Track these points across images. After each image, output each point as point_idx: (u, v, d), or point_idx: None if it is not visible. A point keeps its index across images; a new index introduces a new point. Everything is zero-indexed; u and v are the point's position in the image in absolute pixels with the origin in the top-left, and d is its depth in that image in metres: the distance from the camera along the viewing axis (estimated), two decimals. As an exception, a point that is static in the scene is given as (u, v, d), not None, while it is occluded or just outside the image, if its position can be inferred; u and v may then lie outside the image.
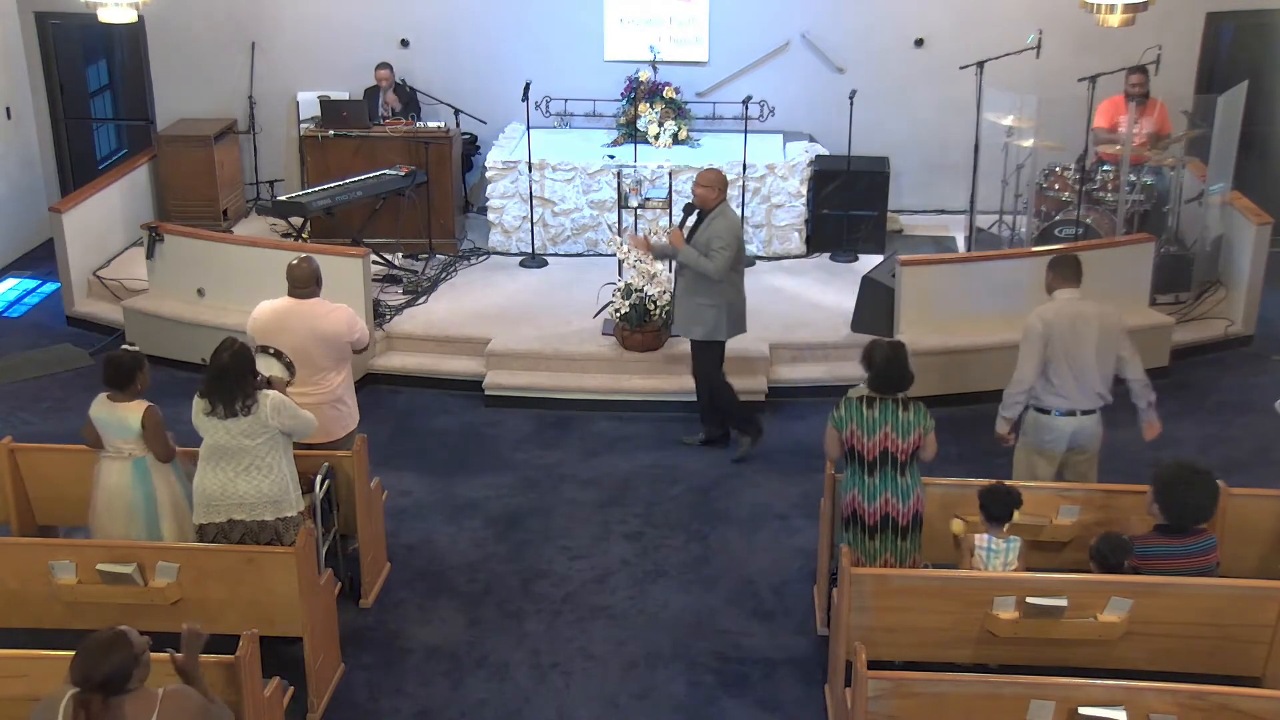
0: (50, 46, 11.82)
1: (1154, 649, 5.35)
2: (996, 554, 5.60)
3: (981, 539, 5.64)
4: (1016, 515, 5.73)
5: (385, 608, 6.61)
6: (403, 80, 11.18)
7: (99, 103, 12.82)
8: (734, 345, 8.88)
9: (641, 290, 8.75)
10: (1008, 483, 5.86)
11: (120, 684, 4.04)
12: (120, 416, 5.86)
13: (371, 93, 11.12)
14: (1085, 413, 6.45)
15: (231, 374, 5.63)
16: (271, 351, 6.12)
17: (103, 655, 4.03)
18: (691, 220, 7.79)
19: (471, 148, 11.43)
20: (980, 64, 9.91)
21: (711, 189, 7.64)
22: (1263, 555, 5.94)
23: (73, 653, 4.12)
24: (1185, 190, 9.85)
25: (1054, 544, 6.04)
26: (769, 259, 10.55)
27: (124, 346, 6.07)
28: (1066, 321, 6.36)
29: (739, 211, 10.37)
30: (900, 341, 5.89)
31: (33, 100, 11.82)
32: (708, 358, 7.96)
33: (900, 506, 5.75)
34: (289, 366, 6.13)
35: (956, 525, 5.88)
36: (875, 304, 8.96)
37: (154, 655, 4.28)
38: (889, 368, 5.75)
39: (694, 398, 8.66)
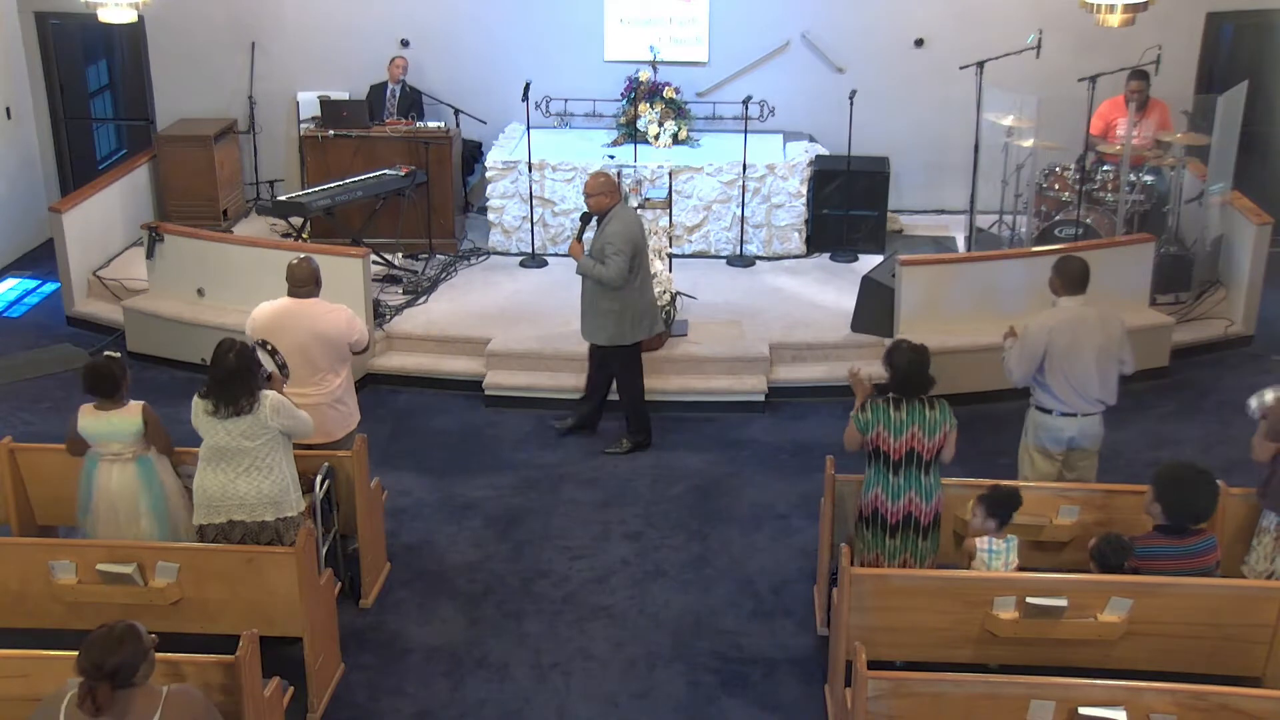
0: (50, 46, 11.82)
1: (1154, 649, 5.35)
2: (998, 555, 5.61)
3: (983, 542, 5.64)
4: (1015, 515, 5.74)
5: (385, 608, 6.61)
6: (404, 80, 11.18)
7: (99, 103, 12.81)
8: (734, 345, 8.93)
9: (641, 290, 8.75)
10: (1006, 483, 5.86)
11: (128, 676, 4.08)
12: (116, 423, 5.85)
13: (378, 89, 11.12)
14: (1085, 415, 6.45)
15: (237, 375, 5.63)
16: (269, 348, 6.11)
17: (115, 646, 4.07)
18: (591, 229, 7.74)
19: (474, 152, 11.40)
20: (980, 64, 9.91)
21: (603, 195, 7.59)
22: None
23: (73, 653, 4.14)
24: (1185, 190, 9.85)
25: (1054, 544, 6.04)
26: (769, 259, 10.55)
27: (106, 354, 6.03)
28: (1068, 331, 6.34)
29: (738, 211, 10.42)
30: (923, 345, 5.86)
31: (33, 100, 11.82)
32: (619, 361, 7.96)
33: (924, 505, 5.75)
34: (283, 366, 6.10)
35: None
36: (875, 304, 8.96)
37: (157, 655, 4.29)
38: (911, 371, 5.72)
39: (690, 398, 8.70)
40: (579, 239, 7.73)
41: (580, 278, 7.76)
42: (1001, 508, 5.64)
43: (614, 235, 7.53)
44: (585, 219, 7.77)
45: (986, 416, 8.25)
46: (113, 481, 5.91)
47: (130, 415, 5.87)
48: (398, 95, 11.12)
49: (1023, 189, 10.35)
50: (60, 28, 11.81)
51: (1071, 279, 6.43)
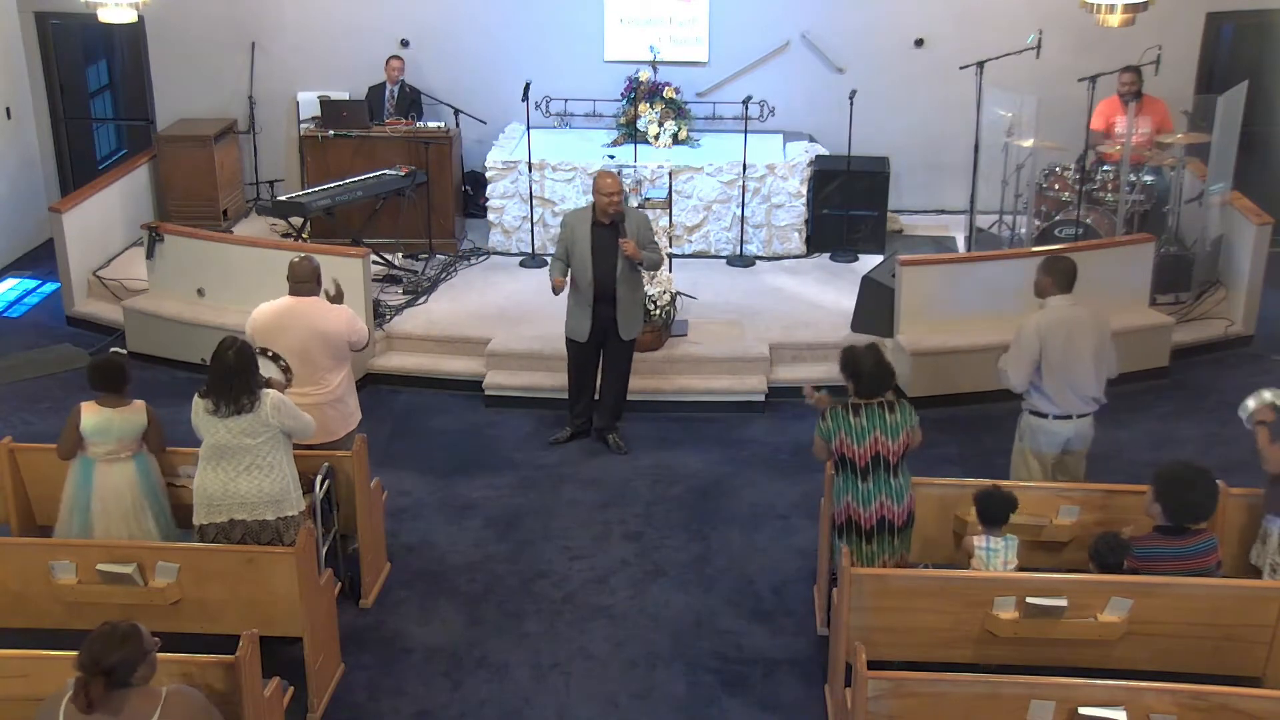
0: (50, 46, 11.82)
1: (1154, 649, 5.35)
2: (996, 553, 5.61)
3: (980, 540, 5.65)
4: (1014, 515, 5.73)
5: (385, 608, 6.61)
6: (404, 80, 11.18)
7: (99, 103, 12.82)
8: (734, 345, 8.94)
9: (642, 290, 8.75)
10: (1003, 484, 5.85)
11: (124, 675, 4.08)
12: (119, 419, 5.88)
13: (377, 90, 11.12)
14: (1080, 416, 6.45)
15: (237, 373, 5.64)
16: (270, 355, 6.13)
17: (115, 644, 4.08)
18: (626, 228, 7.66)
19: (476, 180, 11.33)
20: (980, 64, 9.91)
21: (622, 192, 7.70)
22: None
23: (73, 653, 4.15)
24: (1185, 190, 9.86)
25: (1054, 544, 6.04)
26: (769, 259, 10.55)
27: (112, 350, 6.09)
28: (1061, 331, 6.33)
29: (738, 211, 10.44)
30: (873, 343, 5.88)
31: (33, 100, 11.82)
32: (631, 351, 8.06)
33: (895, 508, 5.75)
34: (286, 370, 6.14)
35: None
36: (875, 304, 8.96)
37: (160, 655, 4.30)
38: (879, 371, 5.74)
39: (690, 398, 8.70)
40: (624, 237, 7.56)
41: (611, 282, 7.66)
42: (993, 509, 5.63)
43: (644, 222, 7.78)
44: (612, 221, 7.58)
45: (985, 416, 8.26)
46: (113, 482, 5.92)
47: (135, 413, 5.93)
48: (396, 95, 11.12)
49: (1023, 189, 10.35)
50: (60, 28, 11.81)
51: (1065, 278, 6.42)
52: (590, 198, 10.25)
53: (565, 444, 8.22)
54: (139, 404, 5.98)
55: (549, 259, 8.02)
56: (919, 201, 11.53)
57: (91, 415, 5.89)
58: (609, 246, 7.58)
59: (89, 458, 5.95)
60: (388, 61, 11.07)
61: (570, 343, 7.96)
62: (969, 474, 6.74)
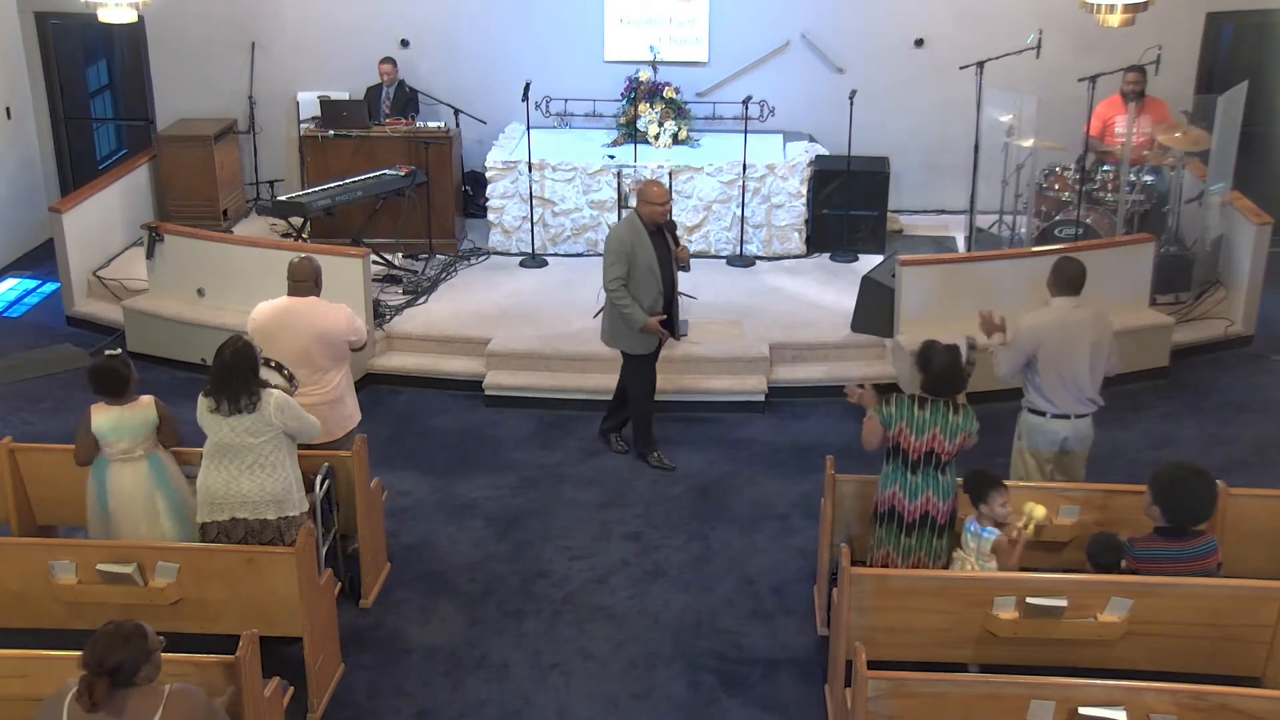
0: (50, 46, 11.82)
1: (1154, 649, 5.35)
2: (974, 537, 5.67)
3: (973, 525, 5.71)
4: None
5: (385, 608, 6.61)
6: (402, 80, 11.19)
7: (99, 103, 12.82)
8: (734, 345, 8.94)
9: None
10: (1005, 482, 5.87)
11: (128, 675, 4.10)
12: (131, 418, 5.84)
13: (375, 90, 11.13)
14: (1078, 416, 6.47)
15: (234, 371, 5.64)
16: (273, 364, 6.10)
17: (119, 644, 4.09)
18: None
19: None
20: (980, 64, 9.91)
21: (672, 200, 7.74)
22: (1269, 556, 5.94)
23: (73, 653, 4.15)
24: (1185, 190, 9.86)
25: (1054, 544, 6.04)
26: (769, 259, 10.55)
27: (106, 353, 6.03)
28: (1059, 332, 6.37)
29: (738, 211, 10.44)
30: (955, 345, 5.87)
31: (33, 100, 11.82)
32: None
33: (940, 505, 5.76)
34: (290, 379, 6.11)
35: (1039, 511, 5.83)
36: (875, 304, 8.96)
37: (165, 655, 4.30)
38: (947, 374, 5.74)
39: (690, 398, 8.71)
40: (676, 245, 7.74)
41: (671, 284, 7.74)
42: (978, 487, 5.69)
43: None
44: (668, 229, 7.72)
45: (984, 416, 8.16)
46: (125, 482, 5.88)
47: (143, 410, 5.87)
48: (392, 96, 11.12)
49: (1023, 189, 10.35)
50: (60, 28, 11.81)
51: (1066, 280, 6.45)
52: (589, 198, 10.45)
53: (626, 453, 8.13)
54: (147, 399, 5.92)
55: (610, 290, 7.50)
56: (919, 201, 11.53)
57: (102, 415, 5.85)
58: (666, 254, 7.63)
59: (104, 459, 5.90)
60: (379, 65, 11.05)
61: (639, 359, 7.77)
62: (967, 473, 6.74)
